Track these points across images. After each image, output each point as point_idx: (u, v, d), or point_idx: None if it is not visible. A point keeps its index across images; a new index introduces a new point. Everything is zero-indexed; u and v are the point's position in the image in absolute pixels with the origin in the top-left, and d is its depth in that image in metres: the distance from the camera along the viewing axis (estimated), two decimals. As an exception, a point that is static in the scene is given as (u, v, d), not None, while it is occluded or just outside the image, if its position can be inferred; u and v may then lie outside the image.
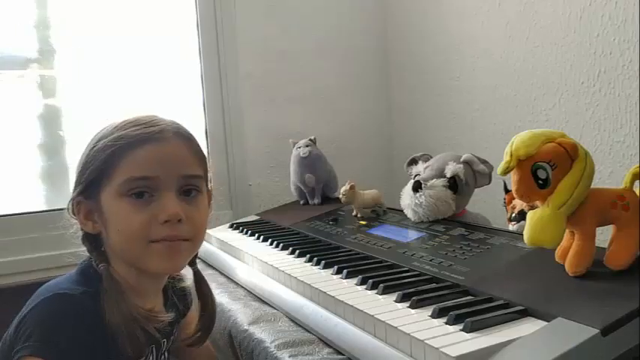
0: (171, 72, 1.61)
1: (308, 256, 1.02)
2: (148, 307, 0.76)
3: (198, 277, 0.86)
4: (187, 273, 0.87)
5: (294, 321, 0.87)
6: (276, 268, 0.99)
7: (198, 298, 0.86)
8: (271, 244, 1.18)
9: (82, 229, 0.77)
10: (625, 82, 1.14)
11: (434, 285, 0.81)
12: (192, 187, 0.75)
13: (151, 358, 0.78)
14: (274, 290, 0.96)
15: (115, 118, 0.77)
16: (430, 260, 0.90)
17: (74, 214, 0.76)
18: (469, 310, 0.68)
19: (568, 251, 0.74)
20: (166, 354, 0.84)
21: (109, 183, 0.72)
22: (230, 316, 0.93)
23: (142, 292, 0.76)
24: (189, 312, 0.90)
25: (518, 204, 1.07)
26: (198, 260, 0.88)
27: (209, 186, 0.81)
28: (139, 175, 0.71)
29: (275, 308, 0.93)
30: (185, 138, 0.76)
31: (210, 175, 0.81)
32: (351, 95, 1.83)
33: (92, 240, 0.77)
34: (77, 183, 0.75)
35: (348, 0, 1.82)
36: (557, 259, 0.77)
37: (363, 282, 0.84)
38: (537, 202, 0.74)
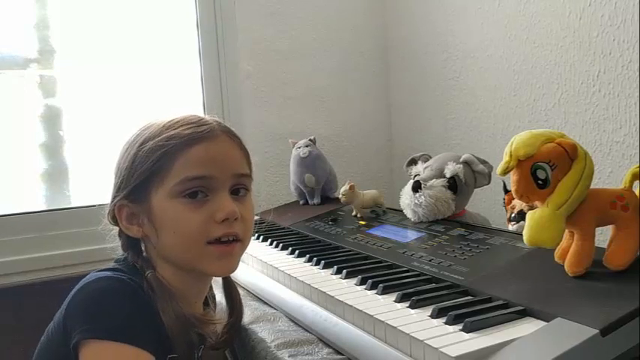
0: (171, 72, 1.61)
1: (307, 256, 1.02)
2: (193, 309, 0.75)
3: (227, 280, 0.86)
4: None
5: (293, 321, 0.87)
6: (276, 267, 0.99)
7: (226, 301, 0.86)
8: (271, 244, 1.18)
9: (121, 235, 0.75)
10: (625, 83, 1.14)
11: (433, 285, 0.81)
12: (241, 186, 0.74)
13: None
14: (274, 290, 0.96)
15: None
16: (430, 260, 0.90)
17: (114, 220, 0.74)
18: (468, 310, 0.68)
19: (567, 251, 0.74)
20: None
21: (161, 184, 0.70)
22: (230, 316, 0.93)
23: (187, 296, 0.75)
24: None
25: (518, 204, 1.07)
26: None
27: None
28: (195, 174, 0.70)
29: (274, 308, 0.93)
30: (233, 136, 0.76)
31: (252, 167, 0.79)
32: (351, 95, 1.83)
33: (134, 246, 0.75)
34: (121, 186, 0.73)
35: (348, 0, 1.82)
36: (556, 259, 0.77)
37: (362, 282, 0.84)
38: (537, 203, 0.74)
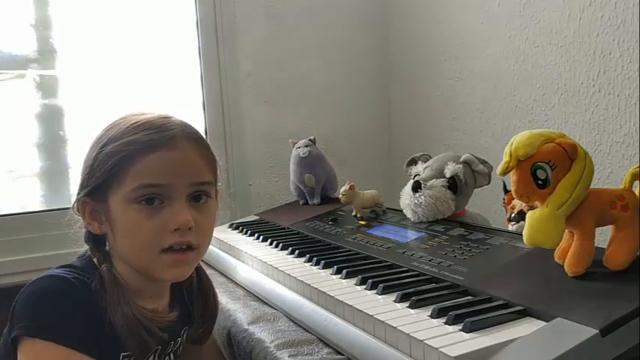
0: (171, 72, 1.62)
1: (307, 256, 1.02)
2: (150, 307, 0.75)
3: (200, 275, 0.86)
4: None
5: (293, 321, 0.87)
6: (276, 267, 0.99)
7: (200, 293, 0.85)
8: (271, 244, 1.18)
9: (86, 228, 0.76)
10: (624, 83, 1.14)
11: (433, 285, 0.81)
12: (202, 193, 0.74)
13: (152, 358, 0.77)
14: (274, 290, 0.96)
15: (120, 113, 0.76)
16: (429, 260, 0.90)
17: (79, 213, 0.75)
18: (468, 310, 0.68)
19: (567, 251, 0.74)
20: (172, 356, 0.82)
21: (118, 188, 0.70)
22: (229, 316, 0.93)
23: (144, 293, 0.76)
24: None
25: (518, 204, 1.07)
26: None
27: (217, 189, 0.79)
28: (150, 182, 0.70)
29: (274, 308, 0.93)
30: (196, 142, 0.75)
31: (218, 173, 0.79)
32: (351, 95, 1.84)
33: (95, 239, 0.76)
34: (83, 184, 0.74)
35: (348, 0, 1.82)
36: (556, 260, 0.77)
37: (362, 282, 0.84)
38: (537, 203, 0.74)
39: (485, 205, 1.35)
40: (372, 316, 0.70)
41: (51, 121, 1.50)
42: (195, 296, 0.86)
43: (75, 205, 0.75)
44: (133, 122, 0.73)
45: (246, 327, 0.87)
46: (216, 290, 0.90)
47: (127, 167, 0.70)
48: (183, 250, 0.72)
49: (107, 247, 0.76)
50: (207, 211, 0.75)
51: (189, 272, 0.77)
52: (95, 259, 0.75)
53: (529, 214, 0.73)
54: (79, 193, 0.75)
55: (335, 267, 0.92)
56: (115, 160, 0.70)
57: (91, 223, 0.74)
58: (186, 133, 0.74)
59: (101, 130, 0.76)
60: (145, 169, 0.70)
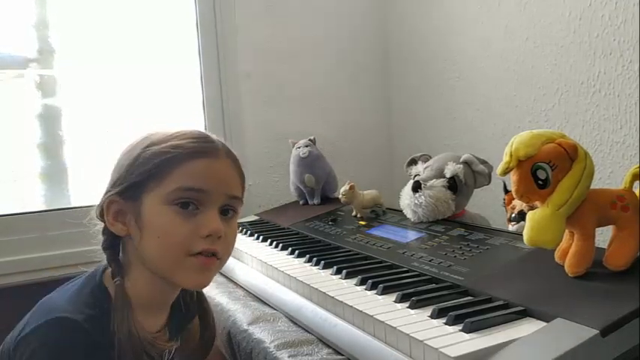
0: (170, 72, 1.61)
1: (307, 256, 1.02)
2: (152, 323, 0.76)
3: (201, 298, 0.87)
4: None
5: (293, 321, 0.87)
6: (276, 268, 0.99)
7: (199, 315, 0.87)
8: (271, 244, 1.18)
9: (104, 232, 0.76)
10: (625, 83, 1.14)
11: (433, 285, 0.81)
12: (231, 208, 0.76)
13: None
14: (274, 290, 0.96)
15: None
16: (429, 260, 0.90)
17: (101, 215, 0.75)
18: (468, 310, 0.68)
19: (568, 252, 0.74)
20: None
21: (157, 188, 0.71)
22: (229, 316, 0.93)
23: (152, 306, 0.76)
24: (195, 320, 0.90)
25: (518, 204, 1.07)
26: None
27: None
28: (191, 185, 0.71)
29: (274, 308, 0.93)
30: (234, 159, 0.77)
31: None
32: (351, 95, 1.83)
33: (113, 248, 0.76)
34: (116, 182, 0.74)
35: (348, 0, 1.82)
36: (556, 260, 0.77)
37: (362, 282, 0.84)
38: (537, 203, 0.74)
39: (486, 205, 1.35)
40: (372, 316, 0.70)
41: (51, 121, 1.50)
42: (191, 315, 0.87)
43: (101, 205, 0.75)
44: (177, 131, 0.76)
45: (246, 327, 0.87)
46: (216, 290, 0.91)
47: (171, 168, 0.71)
48: (208, 257, 0.72)
49: (120, 257, 0.76)
50: (232, 226, 0.77)
51: (210, 281, 0.77)
52: (107, 272, 0.75)
53: (529, 215, 0.73)
54: (108, 192, 0.74)
55: (335, 267, 0.92)
56: (159, 160, 0.72)
57: (114, 223, 0.74)
58: (227, 148, 0.77)
59: (137, 137, 0.77)
60: (189, 172, 0.72)
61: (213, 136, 0.78)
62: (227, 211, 0.75)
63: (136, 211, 0.73)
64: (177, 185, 0.71)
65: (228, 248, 0.76)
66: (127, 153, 0.76)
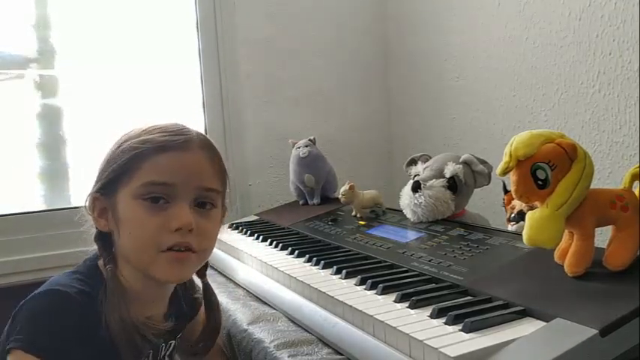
0: (171, 72, 1.61)
1: (307, 256, 1.02)
2: (149, 312, 0.76)
3: (207, 289, 0.87)
4: (200, 282, 0.88)
5: (293, 321, 0.87)
6: (276, 268, 0.99)
7: (205, 310, 0.87)
8: (270, 244, 1.18)
9: (95, 227, 0.77)
10: (624, 83, 1.14)
11: (433, 285, 0.81)
12: (207, 200, 0.75)
13: None
14: (273, 290, 0.96)
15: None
16: (429, 260, 0.90)
17: (90, 210, 0.76)
18: (468, 310, 0.68)
19: (567, 251, 0.74)
20: (167, 359, 0.83)
21: (127, 184, 0.72)
22: (229, 316, 0.93)
23: (145, 297, 0.76)
24: (197, 317, 0.90)
25: (518, 204, 1.07)
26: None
27: (225, 202, 0.81)
28: (158, 180, 0.71)
29: (274, 308, 0.93)
30: (209, 151, 0.77)
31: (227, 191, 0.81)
32: (351, 95, 1.84)
33: (104, 240, 0.77)
34: (97, 179, 0.76)
35: (348, 0, 1.82)
36: (556, 260, 0.77)
37: (362, 282, 0.84)
38: (536, 203, 0.74)
39: (486, 205, 1.36)
40: (371, 316, 0.70)
41: (51, 121, 1.50)
42: (194, 304, 0.87)
43: (87, 202, 0.76)
44: (151, 125, 0.76)
45: (246, 327, 0.87)
46: (216, 290, 0.91)
47: (139, 164, 0.72)
48: (181, 251, 0.72)
49: (113, 249, 0.77)
50: (211, 219, 0.76)
51: (188, 274, 0.77)
52: (101, 260, 0.76)
53: (529, 215, 0.73)
54: (92, 189, 0.76)
55: (335, 267, 0.92)
56: (129, 156, 0.73)
57: (99, 220, 0.76)
58: (201, 139, 0.77)
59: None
60: (155, 167, 0.72)
61: (190, 128, 0.77)
62: (204, 204, 0.75)
63: (113, 208, 0.74)
64: (145, 180, 0.71)
65: (205, 241, 0.75)
66: (109, 150, 0.77)
